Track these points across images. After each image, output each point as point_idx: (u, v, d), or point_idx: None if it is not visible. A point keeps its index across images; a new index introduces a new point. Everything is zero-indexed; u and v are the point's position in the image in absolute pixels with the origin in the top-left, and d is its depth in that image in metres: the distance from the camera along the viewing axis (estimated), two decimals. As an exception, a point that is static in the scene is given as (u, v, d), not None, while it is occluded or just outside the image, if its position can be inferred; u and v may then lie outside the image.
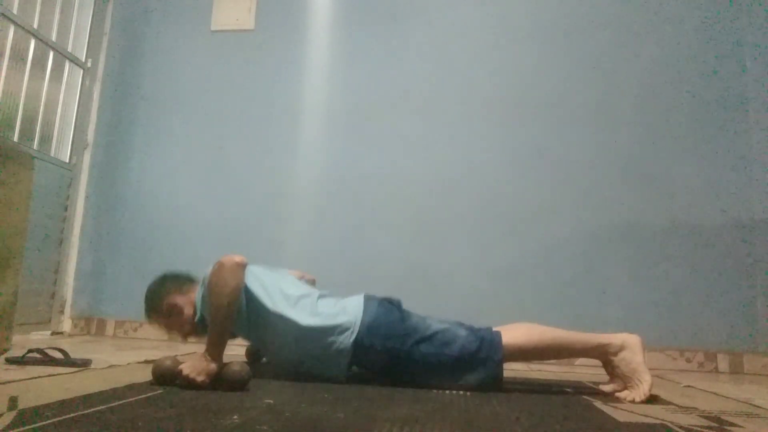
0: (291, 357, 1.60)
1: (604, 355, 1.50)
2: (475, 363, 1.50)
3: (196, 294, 1.63)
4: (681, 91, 2.66)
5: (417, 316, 1.60)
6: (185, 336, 1.69)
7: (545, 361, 2.39)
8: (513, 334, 1.53)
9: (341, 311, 1.58)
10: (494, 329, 1.55)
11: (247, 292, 1.56)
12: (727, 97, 2.62)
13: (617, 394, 1.47)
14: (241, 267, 1.47)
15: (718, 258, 2.51)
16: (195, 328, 1.64)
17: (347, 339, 1.53)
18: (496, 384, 1.51)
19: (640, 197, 2.61)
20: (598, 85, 2.74)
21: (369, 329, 1.53)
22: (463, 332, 1.54)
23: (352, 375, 1.60)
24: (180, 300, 1.66)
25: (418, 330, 1.54)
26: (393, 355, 1.52)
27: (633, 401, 1.39)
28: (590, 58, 2.76)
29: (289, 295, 1.60)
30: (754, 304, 2.45)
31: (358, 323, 1.54)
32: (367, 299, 1.63)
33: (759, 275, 2.47)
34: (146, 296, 1.70)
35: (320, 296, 1.65)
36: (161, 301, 1.67)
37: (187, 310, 1.65)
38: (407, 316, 1.59)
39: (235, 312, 1.47)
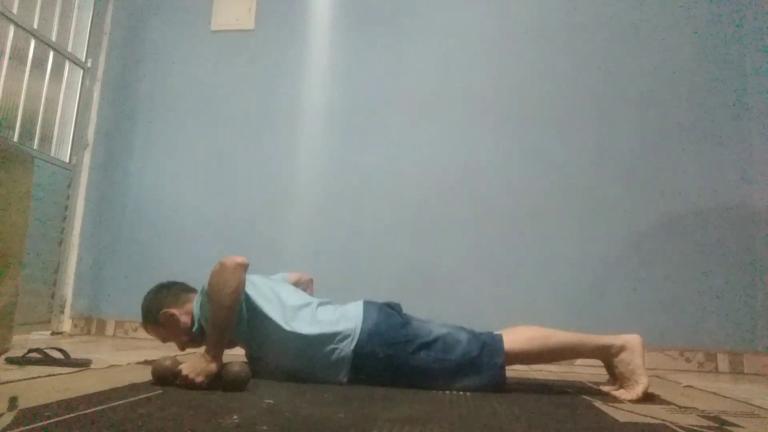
0: (291, 366, 1.58)
1: (606, 356, 1.51)
2: (476, 367, 1.49)
3: (194, 302, 1.62)
4: (681, 92, 2.66)
5: (417, 321, 1.59)
6: (183, 346, 1.69)
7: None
8: (515, 338, 1.52)
9: (341, 318, 1.57)
10: (496, 333, 1.55)
11: (248, 300, 1.55)
12: (728, 98, 2.62)
13: (612, 392, 1.48)
14: (243, 267, 1.46)
15: (718, 258, 2.51)
16: (192, 338, 1.64)
17: (348, 346, 1.52)
18: (497, 388, 1.50)
19: (640, 197, 2.61)
20: (598, 86, 2.73)
21: (369, 336, 1.52)
22: (464, 336, 1.53)
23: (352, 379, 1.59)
24: (176, 310, 1.65)
25: (419, 336, 1.53)
26: (393, 361, 1.51)
27: (625, 400, 1.40)
28: (591, 59, 2.76)
29: (289, 305, 1.59)
30: (754, 304, 2.45)
31: (359, 330, 1.53)
32: (367, 305, 1.62)
33: (759, 275, 2.47)
34: (143, 306, 1.70)
35: (320, 304, 1.64)
36: (158, 312, 1.66)
37: (184, 320, 1.64)
38: (408, 321, 1.58)
39: (236, 312, 1.46)
